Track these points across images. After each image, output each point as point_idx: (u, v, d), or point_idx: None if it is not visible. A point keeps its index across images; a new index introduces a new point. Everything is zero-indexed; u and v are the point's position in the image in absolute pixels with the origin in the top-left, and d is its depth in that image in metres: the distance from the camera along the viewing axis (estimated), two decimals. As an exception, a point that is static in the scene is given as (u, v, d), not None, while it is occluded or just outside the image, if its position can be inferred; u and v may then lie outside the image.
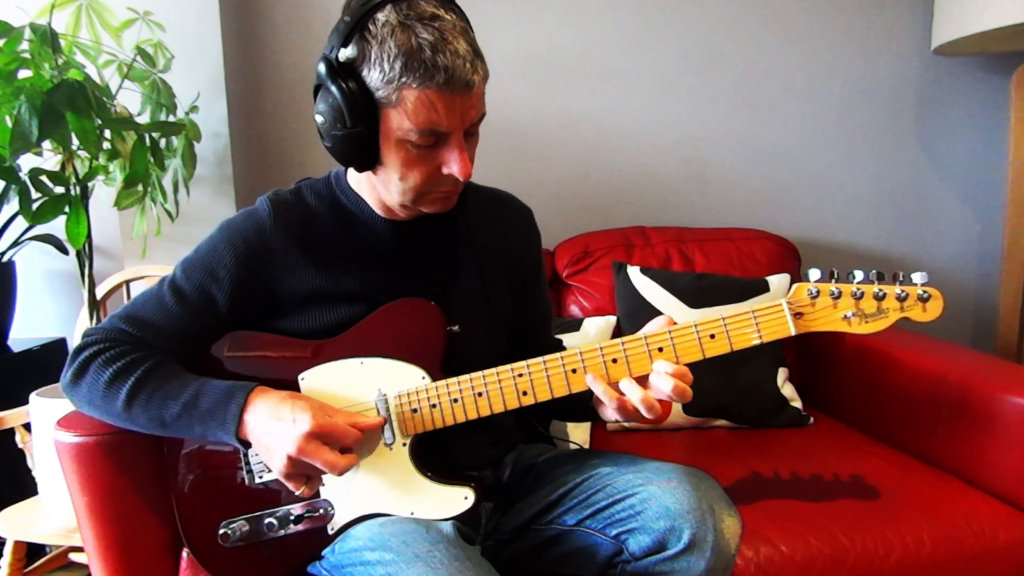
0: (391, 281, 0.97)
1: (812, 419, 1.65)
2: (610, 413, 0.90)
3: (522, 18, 1.98)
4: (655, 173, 2.09)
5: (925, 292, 0.85)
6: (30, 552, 1.50)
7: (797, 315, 0.87)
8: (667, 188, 2.10)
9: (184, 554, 1.04)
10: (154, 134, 1.52)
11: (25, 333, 1.89)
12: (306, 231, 0.97)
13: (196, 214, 1.76)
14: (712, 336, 0.87)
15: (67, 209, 1.43)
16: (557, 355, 0.89)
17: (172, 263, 1.08)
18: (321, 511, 0.91)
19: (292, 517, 0.91)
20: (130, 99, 1.58)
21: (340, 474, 0.84)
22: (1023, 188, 1.94)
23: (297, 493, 0.86)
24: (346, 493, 0.91)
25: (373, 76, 0.81)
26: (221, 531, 0.91)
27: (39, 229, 1.62)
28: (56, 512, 1.41)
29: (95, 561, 1.04)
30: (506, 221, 1.09)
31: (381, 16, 0.79)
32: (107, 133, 1.48)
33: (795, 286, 0.88)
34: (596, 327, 1.68)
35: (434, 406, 0.90)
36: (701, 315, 0.88)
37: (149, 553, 1.04)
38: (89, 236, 1.49)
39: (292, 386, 0.92)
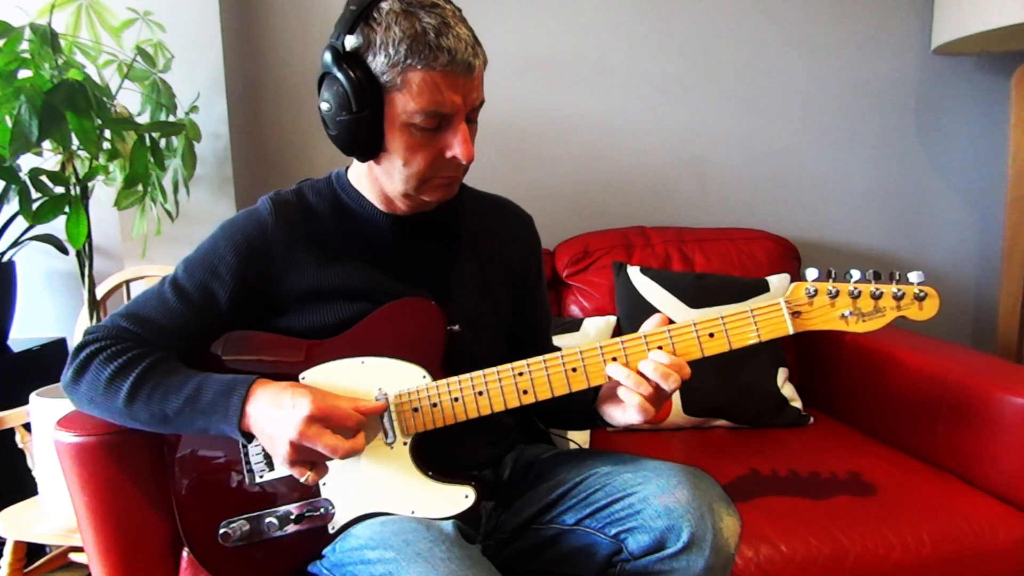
0: (392, 277, 0.98)
1: (812, 419, 1.65)
2: (617, 414, 0.91)
3: (522, 18, 1.98)
4: (655, 173, 2.09)
5: (921, 291, 0.86)
6: (30, 552, 1.50)
7: (795, 314, 0.87)
8: (667, 188, 2.10)
9: (184, 554, 1.04)
10: (154, 134, 1.52)
11: (25, 333, 1.89)
12: (307, 229, 0.97)
13: (196, 214, 1.76)
14: (711, 335, 0.87)
15: (67, 209, 1.43)
16: (557, 354, 0.89)
17: (172, 263, 1.08)
18: (322, 510, 0.91)
19: (293, 516, 0.91)
20: (130, 99, 1.58)
21: (343, 457, 0.84)
22: (1023, 188, 1.94)
23: (302, 480, 0.86)
24: (347, 492, 0.91)
25: (378, 61, 0.83)
26: (221, 531, 0.91)
27: (39, 229, 1.62)
28: (56, 512, 1.41)
29: (95, 561, 1.04)
30: (507, 227, 1.10)
31: (385, 5, 0.83)
32: (107, 133, 1.48)
33: (793, 285, 0.88)
34: (596, 327, 1.68)
35: (435, 405, 0.90)
36: (701, 315, 0.88)
37: (149, 553, 1.04)
38: (89, 236, 1.49)
39: (293, 385, 0.92)
